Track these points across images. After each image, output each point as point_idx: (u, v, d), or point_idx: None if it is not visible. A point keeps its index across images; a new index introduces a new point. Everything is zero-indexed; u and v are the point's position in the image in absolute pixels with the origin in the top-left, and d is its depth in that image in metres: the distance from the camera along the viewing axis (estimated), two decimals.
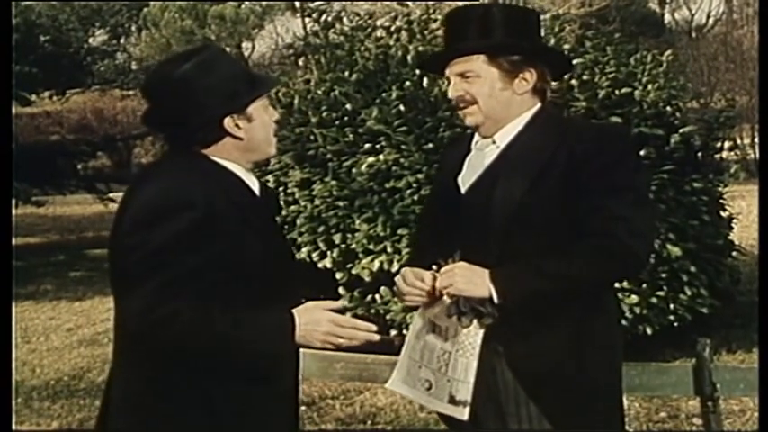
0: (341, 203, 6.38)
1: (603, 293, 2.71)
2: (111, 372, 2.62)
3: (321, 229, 6.42)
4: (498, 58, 2.63)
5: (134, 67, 32.40)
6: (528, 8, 2.97)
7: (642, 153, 6.05)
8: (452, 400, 2.55)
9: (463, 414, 2.54)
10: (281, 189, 6.57)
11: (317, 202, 6.48)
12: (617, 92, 6.47)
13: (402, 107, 6.41)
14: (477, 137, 2.76)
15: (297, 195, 6.61)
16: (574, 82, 6.44)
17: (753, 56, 19.01)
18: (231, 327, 2.37)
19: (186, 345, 2.37)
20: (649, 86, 6.57)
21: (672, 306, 6.15)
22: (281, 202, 6.53)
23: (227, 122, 2.48)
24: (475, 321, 2.49)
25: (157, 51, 32.46)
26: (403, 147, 6.28)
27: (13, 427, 5.41)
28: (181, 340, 2.35)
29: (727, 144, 7.00)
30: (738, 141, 15.07)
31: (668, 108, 6.63)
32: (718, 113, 7.09)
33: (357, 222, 6.29)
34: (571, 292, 2.51)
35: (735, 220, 7.13)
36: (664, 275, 6.03)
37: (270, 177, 6.62)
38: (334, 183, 6.47)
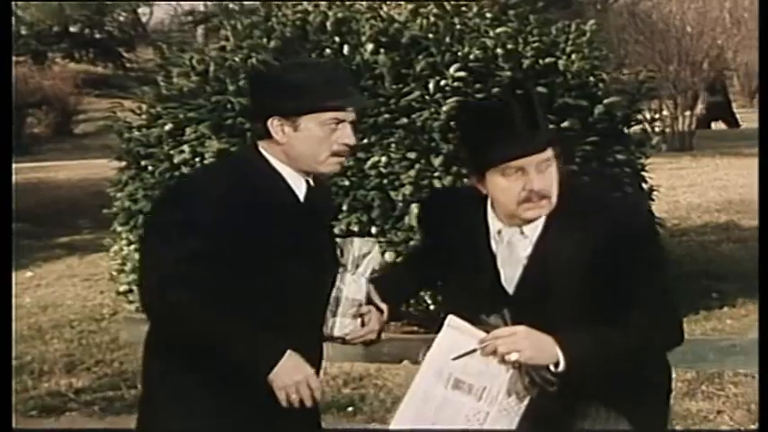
0: None
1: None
2: None
3: None
4: (555, 144, 2.49)
5: (23, 32, 31.22)
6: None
7: (566, 124, 6.03)
8: None
9: None
10: (197, 160, 6.31)
11: None
12: (541, 61, 6.40)
13: None
14: (495, 219, 2.56)
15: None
16: (499, 51, 6.33)
17: (660, 28, 19.33)
18: (228, 337, 2.42)
19: (185, 336, 2.43)
20: (573, 56, 6.51)
21: None
22: None
23: (272, 123, 2.52)
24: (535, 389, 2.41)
25: (49, 16, 31.39)
26: None
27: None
28: (179, 329, 2.43)
29: (648, 116, 7.01)
30: (658, 114, 15.40)
31: (591, 78, 6.59)
32: (640, 85, 7.08)
33: None
34: (624, 361, 2.47)
35: (655, 192, 7.14)
36: None
37: (186, 147, 6.36)
38: None
